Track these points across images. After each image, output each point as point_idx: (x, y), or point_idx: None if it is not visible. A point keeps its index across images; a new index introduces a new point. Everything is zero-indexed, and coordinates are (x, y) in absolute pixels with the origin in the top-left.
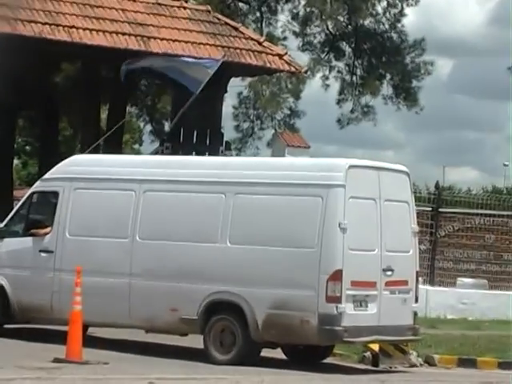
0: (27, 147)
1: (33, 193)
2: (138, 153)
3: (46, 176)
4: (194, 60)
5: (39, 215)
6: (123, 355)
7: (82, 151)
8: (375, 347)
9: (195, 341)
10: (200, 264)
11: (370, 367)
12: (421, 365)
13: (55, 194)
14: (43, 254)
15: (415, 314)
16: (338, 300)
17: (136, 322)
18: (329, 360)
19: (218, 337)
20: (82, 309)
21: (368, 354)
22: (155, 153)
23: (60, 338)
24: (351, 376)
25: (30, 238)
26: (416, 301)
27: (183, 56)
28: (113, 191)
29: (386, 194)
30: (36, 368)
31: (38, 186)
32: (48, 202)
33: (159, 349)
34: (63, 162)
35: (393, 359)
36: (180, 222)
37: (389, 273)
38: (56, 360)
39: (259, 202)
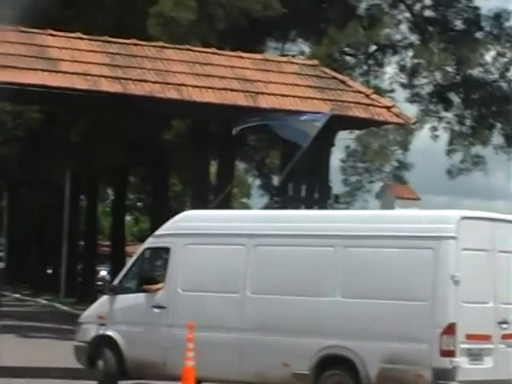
0: (139, 203)
1: (145, 249)
2: (246, 207)
3: (158, 232)
4: (303, 116)
5: (152, 271)
6: None
7: (193, 206)
8: None
9: None
10: (311, 318)
11: None
12: None
13: (167, 250)
14: (156, 310)
15: None
16: (452, 354)
17: (247, 376)
18: None
19: None
20: (194, 364)
21: None
22: (266, 207)
23: None
24: None
25: (142, 294)
26: None
27: (291, 111)
28: (223, 246)
29: (499, 246)
30: None
31: (150, 242)
32: (160, 258)
33: None
34: (174, 218)
35: None
36: (290, 276)
37: (504, 326)
38: None
39: (369, 254)
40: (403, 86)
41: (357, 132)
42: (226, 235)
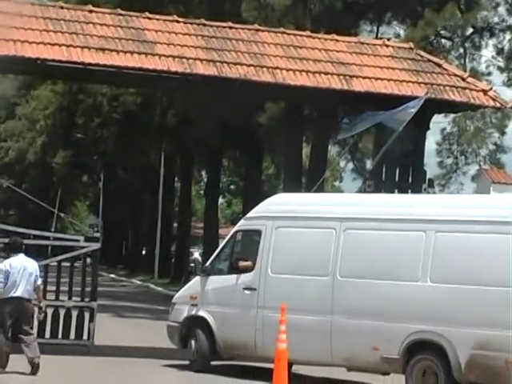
0: (232, 186)
1: (237, 231)
2: (338, 190)
3: (250, 214)
4: (399, 108)
5: (243, 253)
6: None
7: (285, 190)
8: None
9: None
10: (401, 302)
11: None
12: None
13: (258, 233)
14: (247, 292)
15: None
16: None
17: (337, 360)
18: None
19: (420, 377)
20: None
21: None
22: (359, 191)
23: (266, 375)
24: None
25: (234, 276)
26: None
27: (386, 95)
28: (314, 229)
29: None
30: None
31: (241, 224)
32: (251, 240)
33: None
34: (266, 201)
35: None
36: (380, 260)
37: None
38: None
39: (459, 240)
40: (500, 69)
41: (452, 115)
42: (316, 218)
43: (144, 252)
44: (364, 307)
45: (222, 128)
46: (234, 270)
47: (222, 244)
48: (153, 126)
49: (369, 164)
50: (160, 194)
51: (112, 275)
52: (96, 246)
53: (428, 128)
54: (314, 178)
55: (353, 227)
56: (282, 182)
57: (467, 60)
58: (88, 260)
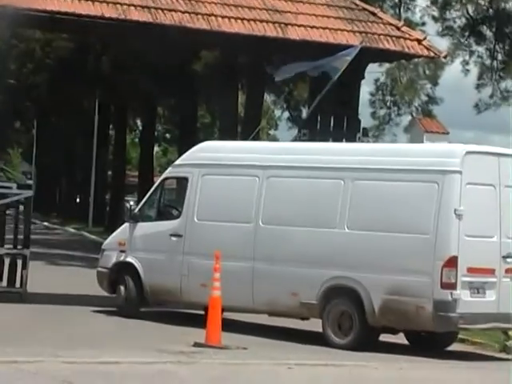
0: (167, 135)
1: (164, 178)
2: (274, 139)
3: (177, 162)
4: (335, 56)
5: (170, 200)
6: (261, 340)
7: (220, 138)
8: None
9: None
10: (319, 249)
11: (511, 356)
12: None
13: (185, 180)
14: (173, 238)
15: None
16: (452, 286)
17: (258, 305)
18: (466, 348)
19: (336, 321)
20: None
21: (510, 343)
22: (294, 140)
23: (196, 321)
24: (492, 365)
25: (161, 223)
26: None
27: (321, 43)
28: (238, 177)
29: (505, 180)
30: (177, 352)
31: (169, 171)
32: (179, 188)
33: (294, 333)
34: (193, 149)
35: None
36: (300, 208)
37: (509, 260)
38: (196, 344)
39: (376, 188)
40: (435, 19)
41: (386, 65)
42: (240, 166)
43: (78, 200)
44: (284, 254)
45: (157, 75)
46: (162, 216)
47: (150, 191)
48: (87, 72)
49: (304, 113)
50: (94, 142)
51: (45, 223)
52: (29, 193)
53: (363, 77)
54: (249, 127)
55: (275, 175)
56: (217, 130)
57: (402, 9)
58: (21, 207)
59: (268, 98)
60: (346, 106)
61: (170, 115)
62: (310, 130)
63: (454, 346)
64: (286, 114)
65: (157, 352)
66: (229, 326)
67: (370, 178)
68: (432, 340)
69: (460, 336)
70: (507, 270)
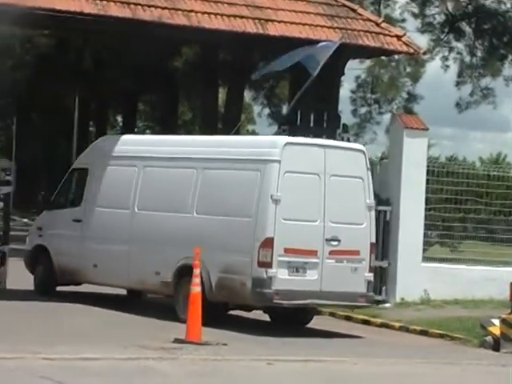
0: (148, 131)
1: (72, 169)
2: (253, 133)
3: (81, 154)
4: (317, 46)
5: (76, 189)
6: (242, 335)
7: (200, 135)
8: (496, 331)
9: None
10: (175, 232)
11: (490, 351)
12: None
13: (86, 171)
14: (75, 223)
15: (369, 282)
16: (268, 265)
17: (132, 283)
18: (445, 343)
19: (185, 298)
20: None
21: (489, 338)
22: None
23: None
24: (471, 360)
25: (67, 210)
26: (370, 270)
27: (300, 39)
28: (123, 168)
29: (332, 170)
30: (157, 348)
31: (75, 163)
32: (82, 178)
33: (275, 328)
34: (95, 142)
35: None
36: (164, 195)
37: (334, 243)
38: (177, 340)
39: (216, 175)
40: (414, 15)
41: (367, 63)
42: (126, 157)
43: None
44: (151, 237)
45: (137, 71)
46: (68, 204)
47: (62, 181)
48: (67, 68)
49: (285, 109)
50: (74, 139)
51: (25, 219)
52: (8, 189)
53: (343, 73)
54: (229, 123)
55: (149, 165)
56: (197, 126)
57: (382, 6)
58: (0, 204)
59: (248, 94)
60: (326, 103)
61: (151, 112)
62: (290, 126)
63: (432, 342)
64: (267, 111)
65: (137, 348)
66: (210, 321)
67: (213, 167)
68: (293, 316)
69: (439, 331)
70: (331, 252)
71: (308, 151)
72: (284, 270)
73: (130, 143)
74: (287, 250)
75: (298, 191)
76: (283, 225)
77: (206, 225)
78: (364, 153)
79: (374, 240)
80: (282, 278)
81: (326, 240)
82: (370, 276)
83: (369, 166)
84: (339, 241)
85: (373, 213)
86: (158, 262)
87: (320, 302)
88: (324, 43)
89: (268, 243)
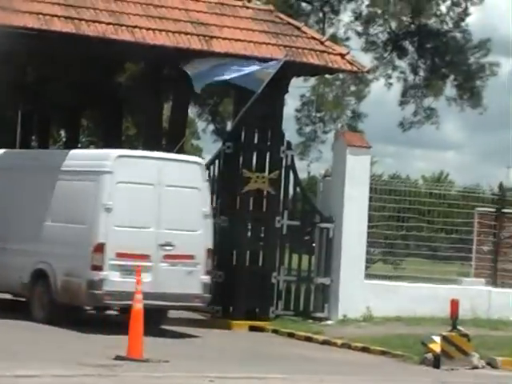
0: (91, 146)
1: None
2: (197, 149)
3: None
4: (257, 66)
5: None
6: (184, 352)
7: (144, 150)
8: (437, 349)
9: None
10: (33, 238)
11: (430, 368)
12: (483, 367)
13: None
14: None
15: (205, 285)
16: (100, 268)
17: (3, 287)
18: (387, 360)
19: (37, 299)
20: None
21: (429, 355)
22: (218, 153)
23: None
24: (411, 377)
25: None
26: (207, 274)
27: (245, 56)
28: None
29: (166, 180)
30: (97, 365)
31: None
32: None
33: (218, 345)
34: None
35: (454, 361)
36: (28, 204)
37: (168, 248)
38: (118, 358)
39: (64, 186)
40: (358, 34)
41: (312, 81)
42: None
43: None
44: (14, 242)
45: (81, 87)
46: None
47: None
48: (9, 83)
49: (229, 126)
50: None
51: None
52: None
53: (287, 91)
54: (173, 139)
55: (11, 176)
56: (142, 142)
57: (326, 25)
58: None
59: (192, 110)
60: (270, 120)
61: (94, 126)
62: (235, 143)
63: (374, 359)
64: (211, 127)
65: (77, 365)
66: (153, 337)
67: (62, 178)
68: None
69: (380, 348)
70: (165, 256)
71: (142, 163)
72: (116, 272)
73: (8, 157)
74: (119, 255)
75: (132, 200)
76: (115, 231)
77: (55, 232)
78: (200, 165)
79: (210, 246)
80: (113, 280)
81: (160, 245)
82: (207, 279)
83: (206, 177)
84: (173, 246)
85: (209, 220)
86: (21, 267)
87: (155, 302)
88: (268, 63)
89: (99, 248)
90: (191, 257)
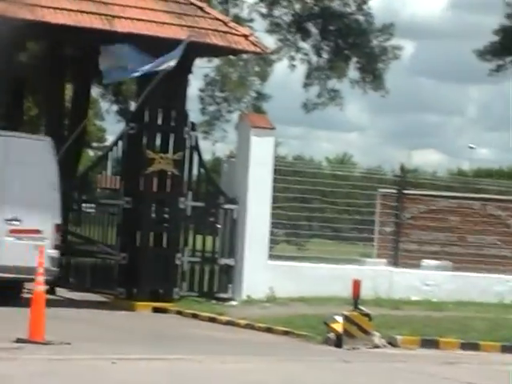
0: None
1: None
2: (100, 129)
3: None
4: (162, 58)
5: None
6: (86, 334)
7: (47, 130)
8: (339, 328)
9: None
10: None
11: (333, 348)
12: (384, 346)
13: None
14: None
15: (53, 259)
16: None
17: None
18: (290, 340)
19: None
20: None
21: (332, 334)
22: (122, 134)
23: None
24: (314, 357)
25: None
26: (56, 248)
27: (148, 37)
28: None
29: (13, 157)
30: None
31: None
32: None
33: (121, 327)
34: None
35: (356, 340)
36: None
37: (15, 222)
38: (19, 340)
39: None
40: (263, 15)
41: (216, 61)
42: None
43: None
44: None
45: None
46: None
47: None
48: None
49: (133, 106)
50: None
51: None
52: None
53: (190, 72)
54: (76, 119)
55: None
56: (43, 122)
57: (230, 5)
58: None
59: (95, 89)
60: (174, 100)
61: None
62: (138, 124)
63: (277, 339)
64: (115, 107)
65: None
66: (54, 320)
67: None
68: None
69: (284, 328)
70: (12, 231)
71: None
72: None
73: None
74: None
75: None
76: None
77: None
78: (47, 141)
79: (58, 221)
80: None
81: (7, 220)
82: (55, 253)
83: (54, 153)
84: (20, 221)
85: (57, 196)
86: None
87: (2, 275)
88: (172, 53)
89: None
90: (38, 231)
